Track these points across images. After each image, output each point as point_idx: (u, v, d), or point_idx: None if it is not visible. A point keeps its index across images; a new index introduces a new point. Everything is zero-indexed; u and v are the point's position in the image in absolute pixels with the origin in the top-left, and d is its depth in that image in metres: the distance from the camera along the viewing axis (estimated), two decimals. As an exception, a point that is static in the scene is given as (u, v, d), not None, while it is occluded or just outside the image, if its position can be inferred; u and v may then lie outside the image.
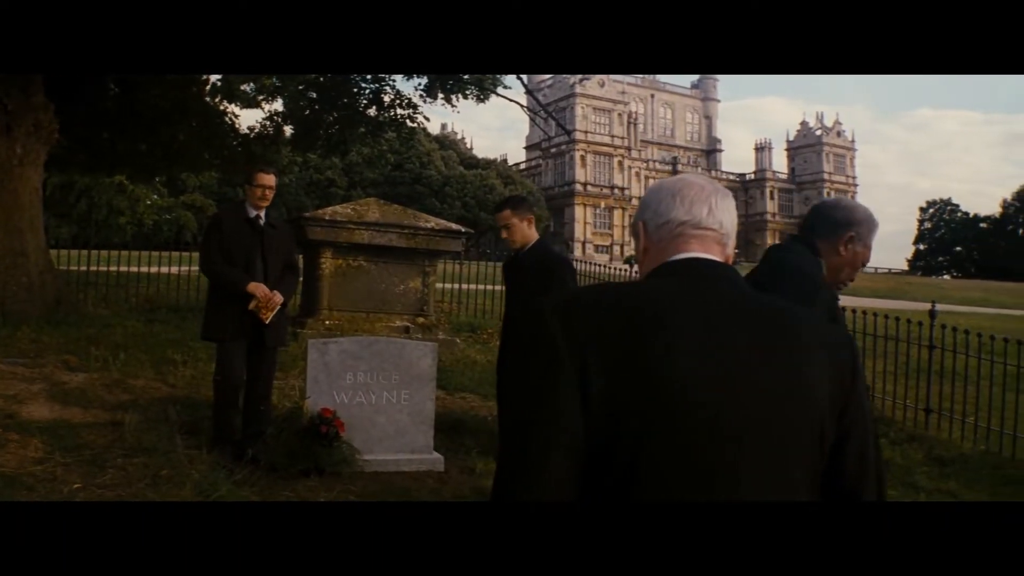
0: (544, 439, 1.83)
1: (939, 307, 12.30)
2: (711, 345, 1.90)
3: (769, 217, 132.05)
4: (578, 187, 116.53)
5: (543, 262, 7.41)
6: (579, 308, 1.94)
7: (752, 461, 1.87)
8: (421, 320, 14.88)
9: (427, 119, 26.57)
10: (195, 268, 19.03)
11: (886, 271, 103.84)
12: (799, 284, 4.05)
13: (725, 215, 2.21)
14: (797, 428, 1.93)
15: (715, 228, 2.18)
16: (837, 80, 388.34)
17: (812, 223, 4.39)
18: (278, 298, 8.05)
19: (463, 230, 15.89)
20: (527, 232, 7.49)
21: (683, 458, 1.83)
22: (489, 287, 20.07)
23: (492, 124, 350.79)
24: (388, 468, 8.09)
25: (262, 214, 8.24)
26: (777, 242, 10.67)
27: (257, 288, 7.95)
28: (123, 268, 19.01)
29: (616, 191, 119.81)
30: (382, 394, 8.33)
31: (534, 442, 1.84)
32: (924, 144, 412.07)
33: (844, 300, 13.50)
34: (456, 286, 20.50)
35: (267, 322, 7.99)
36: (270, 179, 8.20)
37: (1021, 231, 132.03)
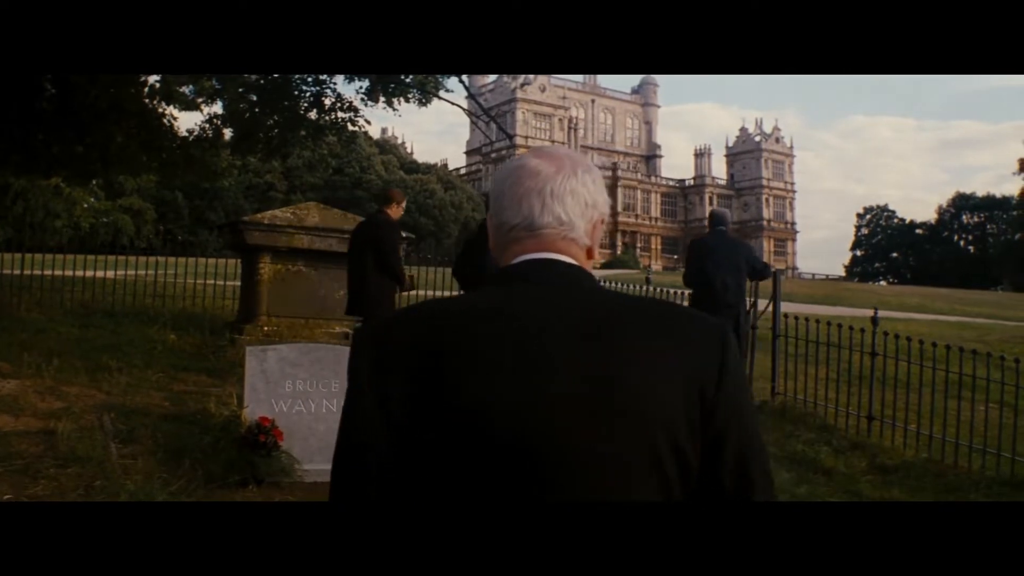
0: (347, 465, 1.86)
1: (878, 313, 12.35)
2: (523, 365, 1.69)
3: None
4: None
5: None
6: (390, 333, 1.83)
7: (570, 494, 1.66)
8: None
9: (368, 122, 26.46)
10: (132, 272, 19.02)
11: (823, 277, 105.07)
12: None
13: (565, 202, 1.90)
14: (631, 449, 1.68)
15: (552, 226, 1.89)
16: (772, 87, 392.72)
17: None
18: None
19: (403, 235, 15.73)
20: None
21: (490, 495, 1.66)
22: (430, 292, 19.97)
23: (432, 129, 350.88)
24: (327, 478, 7.96)
25: None
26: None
27: None
28: (58, 272, 18.76)
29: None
30: (322, 402, 8.25)
31: (341, 466, 1.88)
32: (858, 150, 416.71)
33: (784, 307, 13.60)
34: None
35: None
36: None
37: (956, 238, 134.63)
